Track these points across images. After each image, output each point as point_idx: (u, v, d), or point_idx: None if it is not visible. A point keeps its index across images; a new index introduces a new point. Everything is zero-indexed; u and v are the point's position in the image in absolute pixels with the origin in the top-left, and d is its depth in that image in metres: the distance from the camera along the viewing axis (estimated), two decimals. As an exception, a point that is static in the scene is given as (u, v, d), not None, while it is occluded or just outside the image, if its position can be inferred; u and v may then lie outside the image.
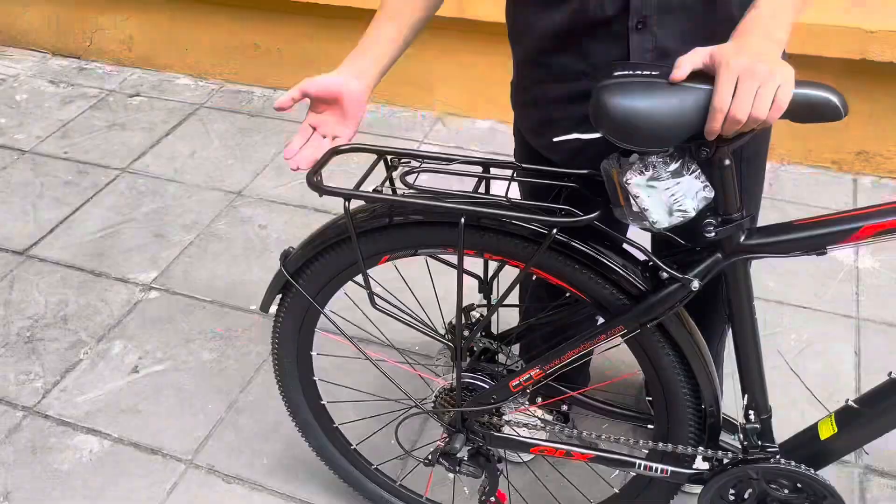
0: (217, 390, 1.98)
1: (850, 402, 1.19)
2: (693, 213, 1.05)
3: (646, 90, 0.97)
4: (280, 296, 1.38)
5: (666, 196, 1.04)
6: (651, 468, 1.29)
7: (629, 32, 1.12)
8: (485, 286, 1.36)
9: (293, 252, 1.33)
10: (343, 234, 1.26)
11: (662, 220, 1.05)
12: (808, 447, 1.23)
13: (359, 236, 1.24)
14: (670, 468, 1.29)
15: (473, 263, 1.30)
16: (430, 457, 1.38)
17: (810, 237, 1.06)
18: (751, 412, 1.22)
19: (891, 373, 1.15)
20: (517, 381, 1.25)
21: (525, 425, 1.34)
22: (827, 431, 1.22)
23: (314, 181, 1.18)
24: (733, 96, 0.92)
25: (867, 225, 1.02)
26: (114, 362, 2.06)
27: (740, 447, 1.24)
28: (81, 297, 2.27)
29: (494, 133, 2.86)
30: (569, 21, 1.14)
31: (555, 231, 1.08)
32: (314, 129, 1.22)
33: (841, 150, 2.54)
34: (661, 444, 1.25)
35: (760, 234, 1.09)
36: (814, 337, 2.02)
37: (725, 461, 1.24)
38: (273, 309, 1.40)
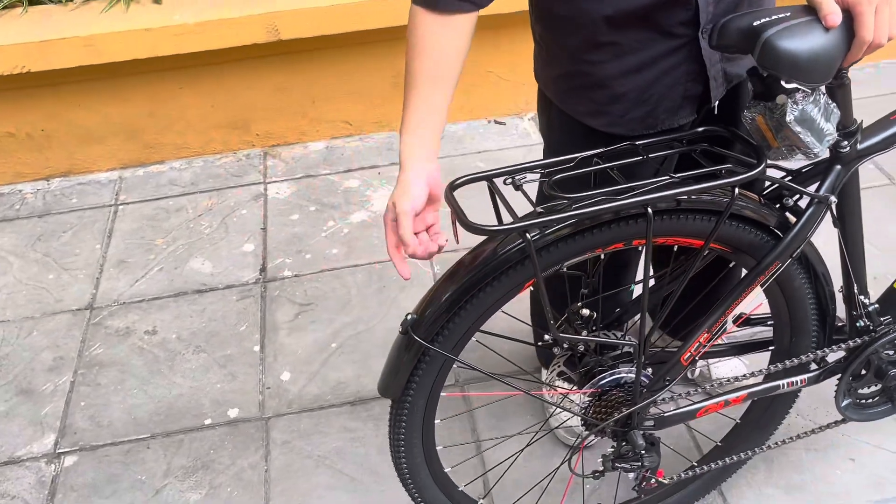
0: (236, 527, 1.65)
1: (922, 256, 1.38)
2: (836, 134, 1.12)
3: (809, 31, 1.01)
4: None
5: (816, 125, 1.09)
6: (793, 383, 1.38)
7: None
8: (590, 279, 1.31)
9: (421, 317, 1.15)
10: (492, 274, 1.12)
11: (821, 147, 1.11)
12: (900, 307, 1.40)
13: (513, 266, 1.12)
14: (805, 376, 1.38)
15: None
16: (603, 466, 1.32)
17: (909, 126, 1.20)
18: (862, 297, 1.35)
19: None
20: (688, 354, 1.24)
21: (681, 395, 1.34)
22: (910, 289, 1.40)
23: (474, 225, 1.03)
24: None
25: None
26: (78, 559, 1.61)
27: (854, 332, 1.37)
28: (-33, 505, 1.72)
29: (333, 151, 2.70)
30: None
31: (737, 191, 1.08)
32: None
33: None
34: (823, 351, 1.33)
35: (867, 137, 1.20)
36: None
37: (852, 346, 1.37)
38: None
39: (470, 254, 1.16)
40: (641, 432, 1.30)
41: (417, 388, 1.21)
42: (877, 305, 1.35)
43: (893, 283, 1.42)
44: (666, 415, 1.31)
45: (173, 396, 1.92)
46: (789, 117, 1.07)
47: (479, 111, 2.74)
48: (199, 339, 2.06)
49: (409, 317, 1.16)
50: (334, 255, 2.29)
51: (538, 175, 1.14)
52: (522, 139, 2.67)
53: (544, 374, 1.82)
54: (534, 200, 1.25)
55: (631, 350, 1.33)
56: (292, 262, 2.27)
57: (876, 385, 1.45)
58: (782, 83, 1.04)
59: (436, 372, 1.21)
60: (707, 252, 1.24)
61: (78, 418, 1.89)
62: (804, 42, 1.00)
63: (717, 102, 1.28)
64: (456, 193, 1.10)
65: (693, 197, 1.10)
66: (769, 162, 1.12)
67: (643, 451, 1.29)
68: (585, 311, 1.30)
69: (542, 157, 1.46)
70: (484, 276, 1.12)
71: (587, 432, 1.33)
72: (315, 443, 1.79)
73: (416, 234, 1.08)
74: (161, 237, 2.40)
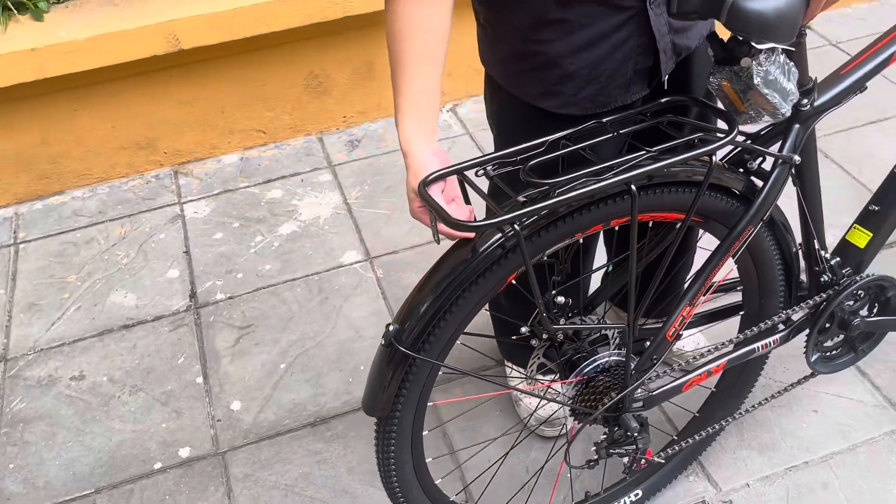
0: (207, 575, 1.52)
1: (871, 207, 1.42)
2: (797, 92, 1.12)
3: (772, -11, 0.99)
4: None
5: (780, 85, 1.09)
6: (766, 345, 1.38)
7: None
8: (563, 265, 1.27)
9: (403, 326, 1.08)
10: (476, 272, 1.06)
11: (787, 107, 1.10)
12: (854, 258, 1.43)
13: (497, 262, 1.06)
14: (777, 336, 1.40)
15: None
16: (598, 454, 1.29)
17: (858, 79, 1.21)
18: (822, 251, 1.37)
19: (895, 167, 1.39)
20: (672, 330, 1.22)
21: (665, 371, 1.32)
22: (863, 240, 1.43)
23: (459, 222, 0.97)
24: None
25: (899, 49, 1.20)
26: None
27: (818, 286, 1.39)
28: None
29: (248, 163, 2.56)
30: None
31: (715, 159, 1.06)
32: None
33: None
34: (791, 312, 1.34)
35: (820, 93, 1.21)
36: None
37: (818, 301, 1.39)
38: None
39: (447, 254, 1.10)
40: (632, 414, 1.28)
41: (405, 401, 1.13)
42: (838, 259, 1.38)
43: (845, 234, 1.45)
44: (654, 393, 1.29)
45: (115, 444, 1.77)
46: (756, 80, 1.06)
47: (397, 107, 2.67)
48: (134, 378, 1.91)
49: (390, 327, 1.09)
50: (268, 271, 2.17)
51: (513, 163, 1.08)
52: (444, 132, 2.62)
53: (507, 369, 1.78)
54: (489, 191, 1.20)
55: (608, 334, 1.31)
56: (224, 284, 2.14)
57: (839, 336, 1.48)
58: (752, 44, 1.03)
59: (423, 382, 1.14)
60: (682, 225, 1.22)
61: (9, 482, 1.71)
62: (770, 1, 0.98)
63: (666, 76, 1.27)
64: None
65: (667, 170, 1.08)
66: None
67: (637, 434, 1.27)
68: (560, 299, 1.26)
69: (494, 145, 1.42)
70: (468, 276, 1.06)
71: (579, 422, 1.29)
72: (279, 471, 1.69)
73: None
74: (73, 273, 2.21)
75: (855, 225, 1.44)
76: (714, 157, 1.06)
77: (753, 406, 1.51)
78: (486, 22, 1.24)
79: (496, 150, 1.40)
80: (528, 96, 1.26)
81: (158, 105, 2.41)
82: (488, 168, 1.07)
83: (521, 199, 1.02)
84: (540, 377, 1.37)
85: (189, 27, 2.22)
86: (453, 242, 1.09)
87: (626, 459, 1.30)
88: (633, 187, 1.02)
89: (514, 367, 1.74)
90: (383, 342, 1.09)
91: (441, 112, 2.70)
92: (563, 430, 1.65)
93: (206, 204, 2.41)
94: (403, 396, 1.13)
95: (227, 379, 1.89)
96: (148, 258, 2.24)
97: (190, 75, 2.38)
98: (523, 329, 1.26)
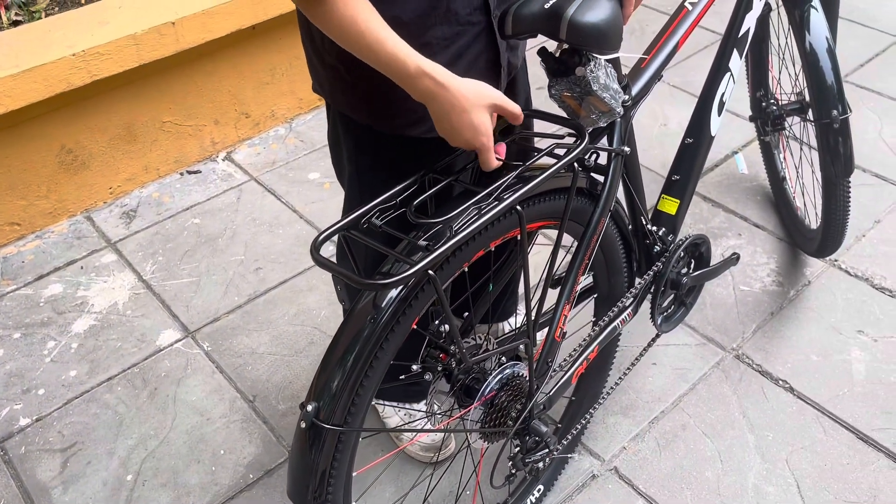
0: None
1: (673, 177, 1.59)
2: (622, 92, 1.22)
3: (597, 4, 1.07)
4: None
5: (610, 87, 1.18)
6: (623, 320, 1.50)
7: None
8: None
9: (322, 402, 1.01)
10: (385, 330, 1.02)
11: (619, 106, 1.19)
12: (669, 224, 1.59)
13: (402, 313, 1.03)
14: (629, 309, 1.52)
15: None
16: (516, 464, 1.31)
17: (656, 69, 1.35)
18: (649, 226, 1.51)
19: (685, 138, 1.57)
20: (559, 330, 1.27)
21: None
22: (672, 207, 1.60)
23: (367, 282, 0.93)
24: None
25: (685, 33, 1.36)
26: None
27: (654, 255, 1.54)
28: None
29: (8, 262, 2.22)
30: None
31: (579, 168, 1.12)
32: None
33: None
34: (638, 283, 1.46)
35: (631, 85, 1.33)
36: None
37: (654, 271, 1.53)
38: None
39: (349, 315, 1.04)
40: (538, 419, 1.31)
41: (335, 479, 1.06)
42: (664, 229, 1.53)
43: (656, 205, 1.61)
44: (551, 393, 1.34)
45: None
46: (595, 86, 1.14)
47: (167, 166, 2.47)
48: (-56, 551, 1.58)
49: (308, 408, 1.01)
50: (75, 377, 1.90)
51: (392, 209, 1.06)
52: (227, 182, 2.48)
53: (380, 408, 1.74)
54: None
55: (489, 348, 1.33)
56: (24, 407, 1.84)
57: (671, 296, 1.64)
58: (585, 55, 1.10)
59: (349, 453, 1.08)
60: (560, 229, 1.25)
61: None
62: (600, 12, 1.06)
63: None
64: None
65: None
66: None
67: (548, 437, 1.31)
68: (445, 327, 1.26)
69: (348, 186, 1.38)
70: (378, 334, 1.02)
71: (491, 443, 1.30)
72: None
73: None
74: None
75: (663, 195, 1.61)
76: (575, 164, 1.12)
77: (621, 378, 1.62)
78: (339, 62, 1.18)
79: (356, 194, 1.36)
80: (394, 128, 1.23)
81: None
82: (374, 220, 1.03)
83: (422, 242, 1.00)
84: (434, 410, 1.36)
85: None
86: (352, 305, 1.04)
87: (540, 464, 1.34)
88: (519, 208, 1.05)
89: (386, 403, 1.71)
90: (303, 424, 1.02)
91: (217, 162, 2.55)
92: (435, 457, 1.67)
93: (-30, 320, 2.05)
94: (333, 477, 1.06)
95: (66, 513, 1.63)
96: (-87, 403, 1.86)
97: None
98: (414, 367, 1.24)
